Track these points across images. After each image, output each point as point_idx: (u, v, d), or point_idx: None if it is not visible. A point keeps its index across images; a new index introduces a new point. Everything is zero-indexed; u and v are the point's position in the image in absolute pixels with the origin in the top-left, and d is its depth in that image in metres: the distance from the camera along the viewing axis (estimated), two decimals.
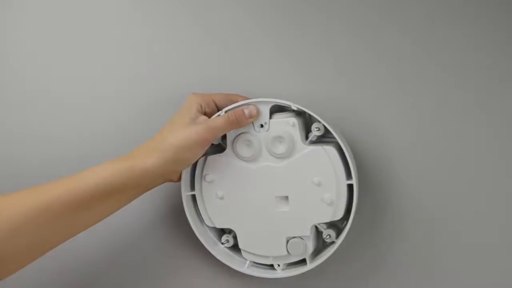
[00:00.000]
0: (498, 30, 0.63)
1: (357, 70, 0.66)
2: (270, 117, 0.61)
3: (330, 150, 0.59)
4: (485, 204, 0.64)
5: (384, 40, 0.65)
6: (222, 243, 0.64)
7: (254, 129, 0.60)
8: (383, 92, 0.65)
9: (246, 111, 0.59)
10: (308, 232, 0.60)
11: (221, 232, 0.66)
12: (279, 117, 0.60)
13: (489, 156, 0.63)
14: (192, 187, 0.64)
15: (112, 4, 0.70)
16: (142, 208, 0.68)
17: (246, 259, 0.63)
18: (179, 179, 0.63)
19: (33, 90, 0.70)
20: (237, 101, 0.63)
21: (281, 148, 0.60)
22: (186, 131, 0.57)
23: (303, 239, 0.61)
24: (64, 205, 0.53)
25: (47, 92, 0.70)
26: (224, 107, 0.62)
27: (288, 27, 0.67)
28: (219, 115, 0.61)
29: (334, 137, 0.60)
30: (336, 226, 0.62)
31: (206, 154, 0.62)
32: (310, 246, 0.61)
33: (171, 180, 0.61)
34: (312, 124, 0.61)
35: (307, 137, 0.61)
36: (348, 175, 0.59)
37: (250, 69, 0.68)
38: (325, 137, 0.61)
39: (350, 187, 0.59)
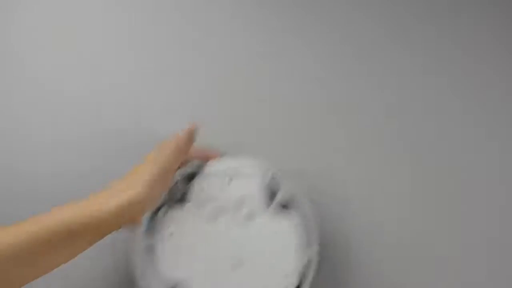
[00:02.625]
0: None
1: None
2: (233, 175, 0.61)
3: (292, 218, 0.58)
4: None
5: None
6: None
7: (219, 188, 0.60)
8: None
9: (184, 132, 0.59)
10: None
11: None
12: (244, 179, 0.60)
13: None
14: (149, 238, 0.63)
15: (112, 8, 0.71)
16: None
17: None
18: (140, 223, 0.61)
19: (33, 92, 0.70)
20: (206, 154, 0.63)
21: (243, 211, 0.59)
22: (148, 173, 0.57)
23: None
24: (27, 247, 0.51)
25: (47, 94, 0.70)
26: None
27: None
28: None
29: (298, 205, 0.60)
30: None
31: (168, 206, 0.62)
32: None
33: (132, 224, 0.59)
34: (276, 189, 0.61)
35: (270, 202, 0.61)
36: (309, 245, 0.58)
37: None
38: (288, 205, 0.61)
39: (309, 258, 0.58)
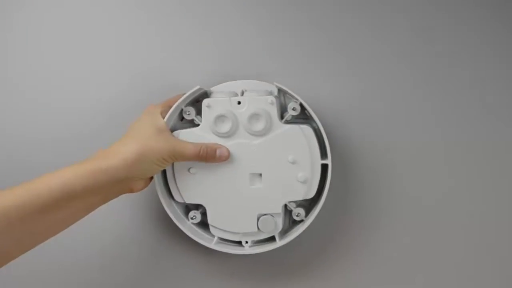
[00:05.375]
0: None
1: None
2: (242, 95, 0.62)
3: (306, 129, 0.60)
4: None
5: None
6: (191, 219, 0.64)
7: (231, 106, 0.61)
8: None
9: (218, 152, 0.60)
10: (280, 210, 0.61)
11: (189, 210, 0.65)
12: (256, 95, 0.61)
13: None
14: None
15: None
16: None
17: (214, 235, 0.64)
18: (140, 188, 0.60)
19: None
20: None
21: (258, 126, 0.60)
22: (153, 143, 0.57)
23: (273, 217, 0.62)
24: (24, 211, 0.50)
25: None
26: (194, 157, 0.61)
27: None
28: None
29: (308, 119, 0.62)
30: (304, 206, 0.64)
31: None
32: (280, 223, 0.62)
33: (131, 190, 0.59)
34: (286, 105, 0.62)
35: (282, 117, 0.62)
36: (323, 155, 0.60)
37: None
38: (299, 118, 0.63)
39: (323, 167, 0.61)
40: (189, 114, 0.63)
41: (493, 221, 0.67)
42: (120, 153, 0.55)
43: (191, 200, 0.63)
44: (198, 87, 0.61)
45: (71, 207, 0.54)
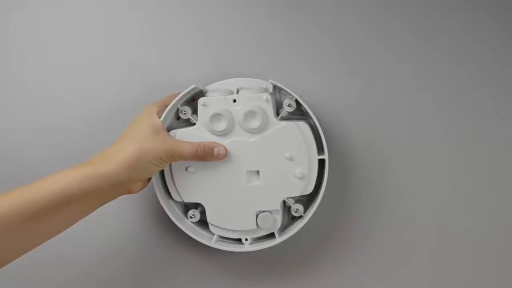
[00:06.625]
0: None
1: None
2: (237, 92, 0.62)
3: (302, 125, 0.60)
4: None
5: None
6: (190, 218, 0.64)
7: (227, 104, 0.61)
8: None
9: (215, 150, 0.60)
10: (278, 206, 0.61)
11: (188, 209, 0.65)
12: (251, 93, 0.61)
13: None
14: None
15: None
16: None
17: (213, 234, 0.64)
18: (138, 190, 0.60)
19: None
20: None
21: (254, 123, 0.60)
22: (150, 144, 0.57)
23: (272, 213, 0.62)
24: (19, 215, 0.50)
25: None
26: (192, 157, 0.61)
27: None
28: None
29: (303, 115, 0.62)
30: (303, 201, 0.64)
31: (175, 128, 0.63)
32: (279, 220, 0.62)
33: (129, 191, 0.59)
34: (282, 102, 0.62)
35: (278, 114, 0.62)
36: (320, 150, 0.61)
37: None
38: (295, 115, 0.63)
39: (321, 162, 0.61)
40: (185, 113, 0.63)
41: (493, 221, 0.67)
42: (119, 156, 0.55)
43: (189, 199, 0.63)
44: (193, 86, 0.61)
45: (68, 210, 0.53)
